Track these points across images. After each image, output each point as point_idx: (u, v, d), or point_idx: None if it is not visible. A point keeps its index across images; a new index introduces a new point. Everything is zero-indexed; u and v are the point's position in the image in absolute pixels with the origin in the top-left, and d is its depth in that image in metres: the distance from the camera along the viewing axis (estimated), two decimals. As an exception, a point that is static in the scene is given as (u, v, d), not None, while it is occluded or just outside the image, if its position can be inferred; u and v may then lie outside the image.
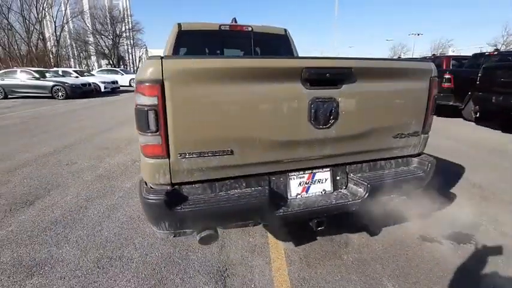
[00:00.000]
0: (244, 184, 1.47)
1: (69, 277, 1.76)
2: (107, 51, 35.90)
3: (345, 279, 1.74)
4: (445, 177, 3.34)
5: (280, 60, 1.32)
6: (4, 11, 22.67)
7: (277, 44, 3.35)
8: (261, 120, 1.34)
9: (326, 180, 1.64)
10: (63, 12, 30.73)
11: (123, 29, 37.10)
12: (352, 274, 1.78)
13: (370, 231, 2.24)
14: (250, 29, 3.16)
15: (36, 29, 25.36)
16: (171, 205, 1.27)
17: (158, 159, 1.27)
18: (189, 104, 1.23)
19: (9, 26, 23.31)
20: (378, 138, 1.63)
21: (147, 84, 1.17)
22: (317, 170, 1.62)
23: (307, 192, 1.60)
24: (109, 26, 35.55)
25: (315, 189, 1.62)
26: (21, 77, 12.57)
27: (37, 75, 12.58)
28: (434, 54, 9.79)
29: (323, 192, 1.63)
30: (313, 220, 1.54)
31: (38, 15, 24.98)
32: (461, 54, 14.67)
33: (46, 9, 26.09)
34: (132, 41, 40.19)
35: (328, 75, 1.35)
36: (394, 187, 1.66)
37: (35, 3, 24.51)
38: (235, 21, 3.29)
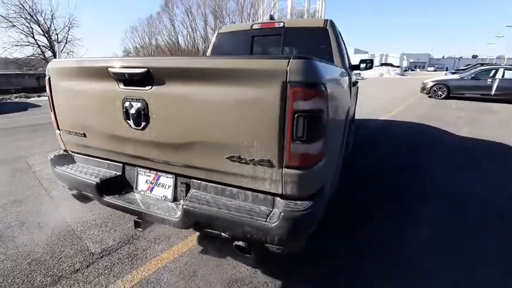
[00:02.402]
0: (106, 166, 1.73)
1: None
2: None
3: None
4: None
5: (89, 60, 1.44)
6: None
7: (312, 38, 2.85)
8: (94, 114, 1.54)
9: (169, 187, 1.53)
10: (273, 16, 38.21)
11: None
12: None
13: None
14: (282, 24, 2.94)
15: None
16: (54, 165, 1.80)
17: (57, 130, 1.83)
18: (58, 93, 1.68)
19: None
20: (207, 156, 1.29)
21: (45, 78, 1.73)
22: (162, 174, 1.55)
23: (151, 191, 1.59)
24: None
25: (158, 192, 1.57)
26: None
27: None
28: None
29: (163, 198, 1.54)
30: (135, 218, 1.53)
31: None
32: None
33: (254, 21, 33.81)
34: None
35: (126, 76, 1.30)
36: (220, 224, 1.27)
37: (248, 17, 32.31)
38: (272, 19, 3.12)
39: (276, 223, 1.15)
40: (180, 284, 1.73)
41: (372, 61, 4.31)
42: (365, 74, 39.19)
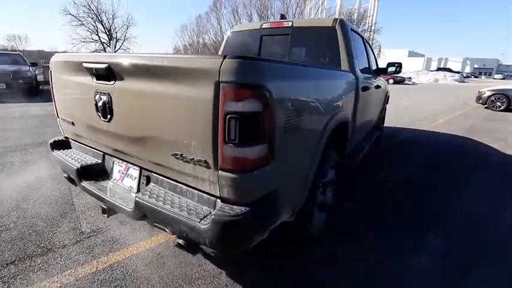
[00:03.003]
0: (91, 153, 1.87)
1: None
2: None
3: None
4: None
5: (72, 55, 1.55)
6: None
7: (320, 39, 2.70)
8: (77, 105, 1.67)
9: (135, 178, 1.59)
10: (320, 15, 37.24)
11: (359, 30, 38.51)
12: None
13: None
14: (290, 24, 2.85)
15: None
16: (52, 148, 2.00)
17: (57, 118, 2.03)
18: (56, 85, 1.86)
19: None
20: (156, 151, 1.31)
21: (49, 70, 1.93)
22: (130, 165, 1.62)
23: (122, 181, 1.67)
24: (348, 29, 38.33)
25: (127, 183, 1.64)
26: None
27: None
28: None
29: (129, 189, 1.61)
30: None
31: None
32: None
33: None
34: (370, 41, 40.57)
35: (95, 71, 1.38)
36: (163, 220, 1.29)
37: (293, 17, 32.01)
38: (282, 18, 3.02)
39: (207, 225, 1.13)
40: (145, 273, 1.79)
41: (400, 64, 4.00)
42: (417, 79, 36.14)
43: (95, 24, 26.26)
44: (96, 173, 1.77)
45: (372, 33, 40.24)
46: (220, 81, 1.03)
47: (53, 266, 1.83)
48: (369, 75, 3.32)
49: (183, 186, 1.35)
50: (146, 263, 1.87)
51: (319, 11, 38.77)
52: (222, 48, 3.35)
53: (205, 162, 1.16)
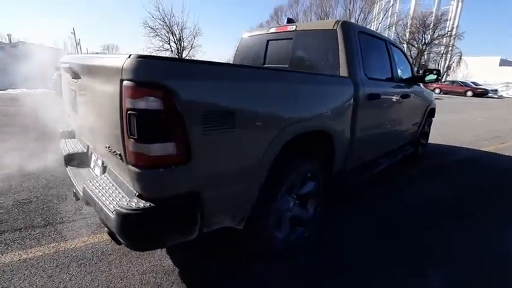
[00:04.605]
0: (82, 143, 2.12)
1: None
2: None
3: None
4: None
5: (62, 58, 1.78)
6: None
7: (320, 42, 2.51)
8: (67, 99, 1.93)
9: (100, 167, 1.76)
10: (388, 20, 34.79)
11: (435, 36, 34.47)
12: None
13: None
14: (294, 28, 2.75)
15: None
16: (60, 137, 2.35)
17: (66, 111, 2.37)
18: (62, 84, 2.18)
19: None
20: (99, 143, 1.42)
21: (63, 71, 2.28)
22: (98, 155, 1.79)
23: (94, 170, 1.86)
24: (420, 34, 34.77)
25: (96, 171, 1.80)
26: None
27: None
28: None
29: (96, 176, 1.78)
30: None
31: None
32: None
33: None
34: (448, 48, 35.90)
35: (66, 70, 1.58)
36: (95, 207, 1.38)
37: (357, 20, 30.52)
38: (290, 21, 2.90)
39: (114, 216, 1.18)
40: (110, 258, 1.94)
41: (439, 71, 3.54)
42: (506, 92, 30.43)
43: (167, 35, 29.66)
44: (81, 160, 2.00)
45: (451, 38, 35.67)
46: (122, 79, 1.08)
47: (45, 237, 2.13)
48: (390, 83, 2.98)
49: (120, 178, 1.44)
50: (115, 249, 2.02)
51: (388, 14, 36.13)
52: (234, 54, 3.43)
53: (120, 155, 1.22)
